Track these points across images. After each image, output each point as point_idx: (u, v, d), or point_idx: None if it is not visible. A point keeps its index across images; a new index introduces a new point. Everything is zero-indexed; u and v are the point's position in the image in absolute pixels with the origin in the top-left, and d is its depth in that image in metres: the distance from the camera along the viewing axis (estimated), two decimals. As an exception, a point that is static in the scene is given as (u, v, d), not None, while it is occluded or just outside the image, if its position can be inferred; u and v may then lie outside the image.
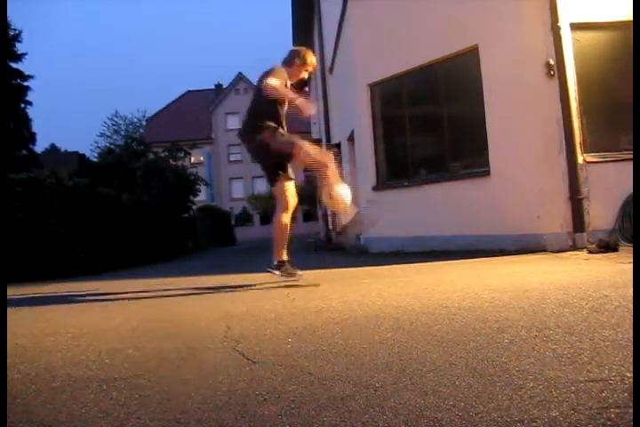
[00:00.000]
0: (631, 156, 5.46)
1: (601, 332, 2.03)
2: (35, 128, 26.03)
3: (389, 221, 7.81)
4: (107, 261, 9.55)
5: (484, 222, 6.58)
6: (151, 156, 18.59)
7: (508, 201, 6.37)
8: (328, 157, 4.61)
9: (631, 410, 1.31)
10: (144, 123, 46.28)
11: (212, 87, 50.59)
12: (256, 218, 44.27)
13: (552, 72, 6.06)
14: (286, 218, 4.54)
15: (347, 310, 2.97)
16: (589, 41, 6.24)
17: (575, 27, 6.14)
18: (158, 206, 14.18)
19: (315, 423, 1.40)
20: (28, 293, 5.63)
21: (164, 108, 49.81)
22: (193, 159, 28.54)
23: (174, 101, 50.76)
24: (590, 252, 5.29)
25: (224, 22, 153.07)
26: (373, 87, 8.22)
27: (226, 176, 46.92)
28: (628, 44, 5.53)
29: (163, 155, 18.23)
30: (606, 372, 1.59)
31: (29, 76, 25.70)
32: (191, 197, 18.02)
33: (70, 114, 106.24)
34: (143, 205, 13.05)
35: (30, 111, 26.07)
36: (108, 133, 44.78)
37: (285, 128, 4.56)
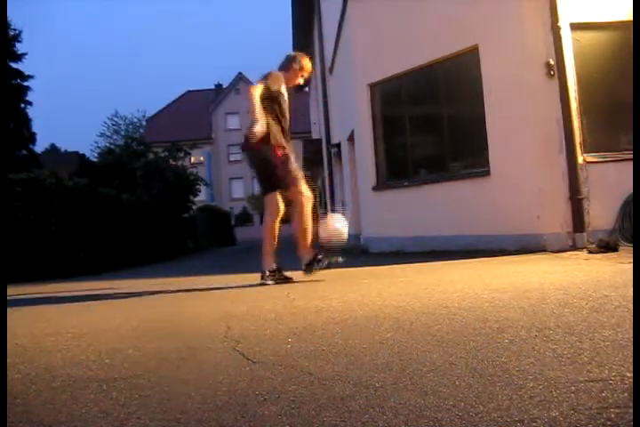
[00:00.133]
0: (631, 156, 5.46)
1: (601, 332, 2.03)
2: (35, 128, 26.10)
3: (389, 221, 7.81)
4: (107, 261, 9.56)
5: (483, 222, 6.58)
6: (151, 156, 18.60)
7: (507, 201, 6.37)
8: (310, 200, 4.62)
9: (631, 410, 1.30)
10: (144, 123, 46.28)
11: (212, 87, 50.62)
12: (256, 218, 44.24)
13: (552, 72, 6.06)
14: (275, 225, 4.58)
15: (347, 310, 2.97)
16: (589, 41, 6.24)
17: (575, 27, 6.14)
18: (158, 206, 14.20)
19: (315, 423, 1.40)
20: (28, 293, 5.63)
21: (164, 108, 49.82)
22: (193, 159, 28.56)
23: (174, 101, 50.78)
24: (590, 252, 5.29)
25: (224, 22, 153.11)
26: (373, 87, 8.22)
27: (226, 176, 46.94)
28: (628, 44, 5.53)
29: (163, 155, 18.25)
30: (606, 372, 1.59)
31: (29, 76, 25.73)
32: (191, 197, 18.05)
33: (70, 114, 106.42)
34: (143, 205, 13.06)
35: (30, 111, 26.14)
36: (108, 133, 44.81)
37: (287, 127, 4.57)
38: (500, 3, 6.48)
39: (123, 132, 43.55)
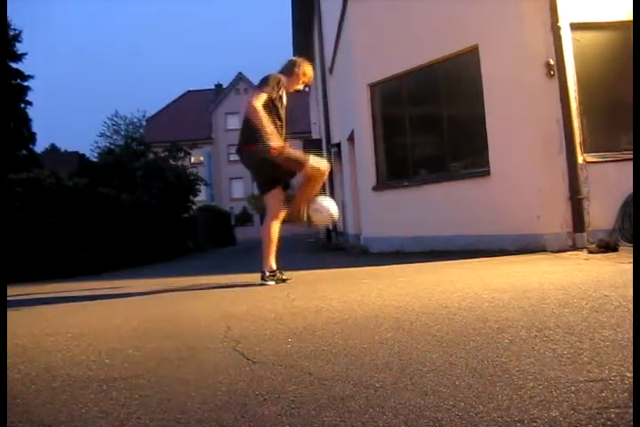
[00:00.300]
0: (631, 156, 5.46)
1: (601, 332, 2.03)
2: (35, 128, 26.03)
3: (389, 221, 7.81)
4: (107, 261, 9.56)
5: (483, 222, 6.58)
6: (151, 156, 18.59)
7: (507, 201, 6.37)
8: (327, 169, 4.65)
9: (631, 410, 1.31)
10: (144, 123, 46.28)
11: (212, 87, 50.59)
12: (256, 218, 44.23)
13: (552, 72, 6.06)
14: (276, 226, 4.57)
15: (347, 310, 2.97)
16: (589, 41, 6.24)
17: (575, 27, 6.14)
18: (158, 206, 14.19)
19: (315, 423, 1.40)
20: (28, 293, 5.63)
21: (164, 108, 49.80)
22: (193, 159, 28.54)
23: (174, 101, 50.75)
24: (590, 252, 5.29)
25: (224, 22, 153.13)
26: (373, 87, 8.22)
27: (226, 176, 46.92)
28: (628, 44, 5.53)
29: (163, 155, 18.23)
30: (606, 372, 1.59)
31: (29, 76, 25.68)
32: (191, 197, 18.03)
33: (70, 114, 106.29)
34: (143, 205, 13.06)
35: (30, 111, 26.06)
36: (108, 133, 44.81)
37: (285, 132, 4.57)
38: (499, 3, 6.48)
39: (123, 133, 43.57)
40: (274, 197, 4.60)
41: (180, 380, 1.87)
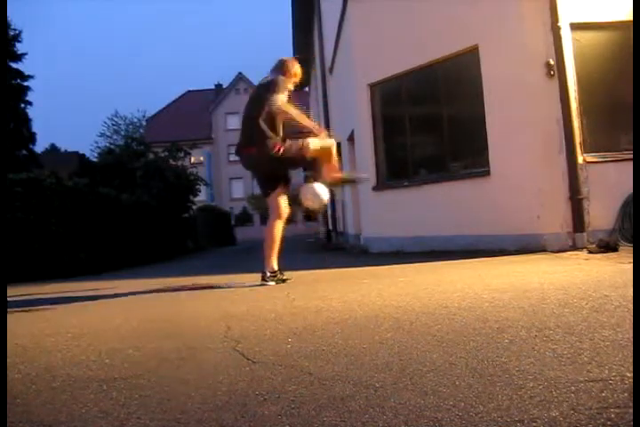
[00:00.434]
0: (631, 156, 5.46)
1: (601, 332, 2.03)
2: (35, 128, 26.05)
3: (389, 221, 7.81)
4: (107, 261, 9.56)
5: (483, 222, 6.58)
6: (151, 156, 18.59)
7: (507, 201, 6.37)
8: (331, 145, 4.72)
9: (631, 410, 1.31)
10: (144, 123, 46.23)
11: (212, 87, 50.59)
12: (256, 218, 44.25)
13: (552, 72, 6.05)
14: (280, 226, 4.57)
15: (347, 310, 2.97)
16: (589, 41, 6.24)
17: (575, 27, 6.14)
18: (158, 206, 14.19)
19: (315, 423, 1.40)
20: (28, 293, 5.63)
21: (164, 108, 49.79)
22: (193, 159, 28.54)
23: (174, 101, 50.74)
24: (590, 252, 5.29)
25: (224, 22, 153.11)
26: (373, 87, 8.22)
27: (226, 176, 46.92)
28: (628, 44, 5.53)
29: (163, 155, 18.24)
30: (606, 372, 1.59)
31: (29, 76, 25.70)
32: (191, 197, 18.04)
33: (70, 114, 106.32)
34: (143, 205, 13.06)
35: (30, 111, 26.08)
36: (108, 133, 44.72)
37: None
38: (499, 3, 6.48)
39: (123, 132, 43.49)
40: (277, 197, 4.60)
41: (180, 380, 1.87)
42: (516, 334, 2.10)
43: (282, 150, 4.38)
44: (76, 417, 1.58)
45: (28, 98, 25.65)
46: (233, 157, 46.09)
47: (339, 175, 4.87)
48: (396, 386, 1.62)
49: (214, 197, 42.79)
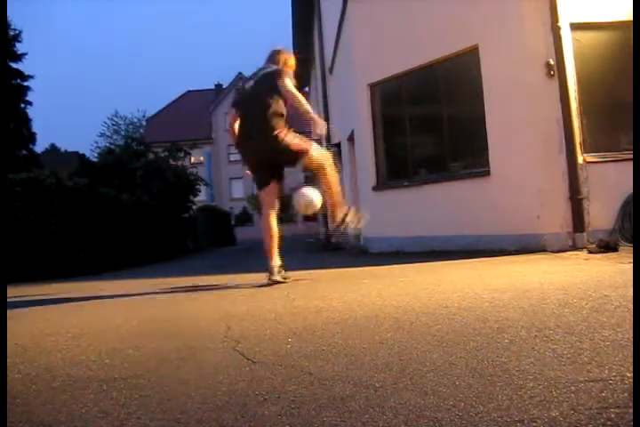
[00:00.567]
0: (631, 156, 5.46)
1: (601, 332, 2.03)
2: (35, 128, 26.04)
3: (389, 221, 7.81)
4: (107, 261, 9.56)
5: (483, 222, 6.58)
6: (151, 156, 18.59)
7: (507, 201, 6.37)
8: (328, 159, 4.66)
9: (631, 410, 1.31)
10: (144, 123, 46.24)
11: (212, 87, 50.57)
12: (256, 218, 44.21)
13: (552, 72, 6.06)
14: (274, 215, 4.57)
15: (347, 310, 2.97)
16: (589, 41, 6.24)
17: (575, 27, 6.14)
18: (158, 206, 14.20)
19: (315, 423, 1.40)
20: (27, 293, 5.63)
21: (164, 108, 49.78)
22: (193, 159, 28.57)
23: (174, 101, 50.73)
24: (590, 252, 5.29)
25: (224, 22, 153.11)
26: (373, 87, 8.22)
27: (226, 176, 46.90)
28: (628, 44, 5.53)
29: (163, 155, 18.24)
30: (606, 372, 1.59)
31: (29, 76, 25.69)
32: (191, 197, 18.04)
33: (70, 114, 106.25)
34: (143, 205, 13.06)
35: (30, 111, 26.08)
36: (108, 133, 44.73)
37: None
38: (499, 3, 6.48)
39: (123, 132, 43.50)
40: (270, 193, 4.61)
41: (180, 380, 1.87)
42: (515, 334, 2.10)
43: (285, 135, 4.39)
44: (75, 417, 1.58)
45: (28, 98, 25.67)
46: (233, 157, 46.19)
47: (342, 214, 4.72)
48: (395, 386, 1.62)
49: (214, 197, 42.80)
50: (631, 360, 1.66)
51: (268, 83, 4.49)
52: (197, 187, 18.44)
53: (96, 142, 44.90)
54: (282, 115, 4.49)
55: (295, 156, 4.49)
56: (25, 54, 25.82)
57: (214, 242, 22.33)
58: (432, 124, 7.71)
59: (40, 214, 8.56)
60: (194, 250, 17.88)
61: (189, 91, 52.14)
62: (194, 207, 19.14)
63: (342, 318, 2.71)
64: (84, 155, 34.57)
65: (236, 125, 4.77)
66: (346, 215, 4.66)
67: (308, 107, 4.43)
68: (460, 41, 6.89)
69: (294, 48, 17.04)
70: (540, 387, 1.51)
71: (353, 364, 1.89)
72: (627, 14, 5.93)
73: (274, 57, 4.72)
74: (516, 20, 6.31)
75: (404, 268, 5.30)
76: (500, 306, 2.69)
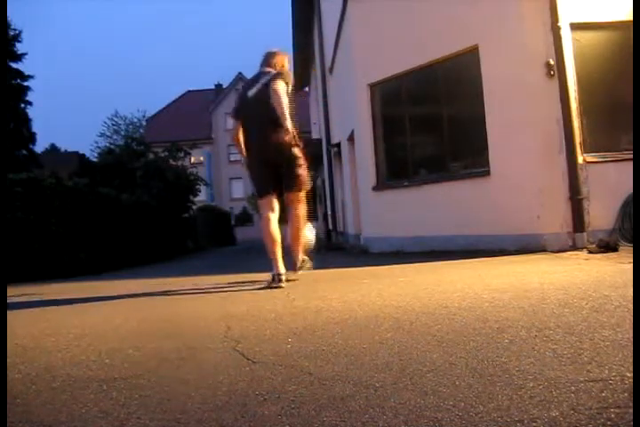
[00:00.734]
0: (631, 156, 5.46)
1: (601, 332, 2.03)
2: (35, 128, 26.02)
3: (389, 221, 7.81)
4: (107, 261, 9.56)
5: (483, 222, 6.58)
6: (151, 156, 18.59)
7: (507, 201, 6.37)
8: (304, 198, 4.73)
9: (631, 410, 1.31)
10: (144, 123, 46.25)
11: (212, 87, 50.56)
12: (256, 218, 44.20)
13: (552, 72, 6.05)
14: (274, 219, 4.54)
15: (347, 310, 2.97)
16: (589, 41, 6.24)
17: (575, 27, 6.14)
18: (158, 206, 14.19)
19: (315, 423, 1.40)
20: (28, 293, 5.63)
21: (164, 108, 49.78)
22: (193, 159, 28.55)
23: (174, 101, 50.73)
24: (590, 252, 5.29)
25: (224, 22, 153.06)
26: (373, 87, 8.22)
27: (226, 176, 46.90)
28: (628, 44, 5.53)
29: (163, 155, 18.24)
30: (606, 372, 1.59)
31: (29, 76, 25.67)
32: (191, 197, 18.04)
33: (70, 114, 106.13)
34: (143, 205, 13.05)
35: (30, 111, 26.06)
36: (108, 133, 44.75)
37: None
38: (499, 3, 6.48)
39: (123, 132, 43.52)
40: (267, 205, 4.59)
41: (180, 380, 1.87)
42: (515, 334, 2.10)
43: (295, 136, 4.46)
44: (76, 417, 1.58)
45: (28, 98, 25.65)
46: (233, 157, 46.19)
47: (300, 244, 4.74)
48: (395, 386, 1.62)
49: (214, 197, 42.80)
50: (631, 360, 1.66)
51: (269, 92, 4.49)
52: (197, 187, 18.44)
53: (96, 142, 44.97)
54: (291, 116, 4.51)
55: (298, 181, 4.58)
56: (25, 54, 25.83)
57: (214, 242, 22.34)
58: (432, 125, 7.71)
59: (40, 214, 8.56)
60: (194, 250, 17.88)
61: (189, 91, 52.14)
62: (194, 207, 19.14)
63: (342, 318, 2.71)
64: (84, 155, 34.57)
65: (241, 137, 4.78)
66: (303, 261, 4.74)
67: (286, 112, 4.39)
68: (460, 41, 6.89)
69: (294, 48, 17.04)
70: (540, 387, 1.51)
71: (353, 364, 1.89)
72: (627, 14, 5.93)
73: (269, 60, 4.71)
74: (516, 20, 6.31)
75: (404, 268, 5.30)
76: (500, 306, 2.69)
